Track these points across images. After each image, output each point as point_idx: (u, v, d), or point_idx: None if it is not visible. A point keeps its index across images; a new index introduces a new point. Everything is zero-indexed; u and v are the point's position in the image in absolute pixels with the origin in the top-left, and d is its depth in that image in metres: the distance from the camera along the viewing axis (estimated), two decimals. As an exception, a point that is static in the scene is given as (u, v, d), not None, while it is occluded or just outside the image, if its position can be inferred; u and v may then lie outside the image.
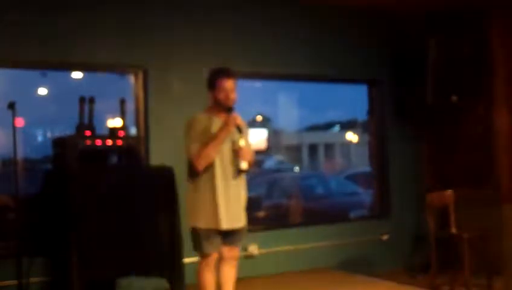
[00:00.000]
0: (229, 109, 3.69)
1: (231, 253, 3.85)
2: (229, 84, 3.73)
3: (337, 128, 15.07)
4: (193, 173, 3.70)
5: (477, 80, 5.80)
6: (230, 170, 3.72)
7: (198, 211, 3.70)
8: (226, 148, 3.71)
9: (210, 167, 3.66)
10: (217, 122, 3.71)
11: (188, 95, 5.17)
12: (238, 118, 3.70)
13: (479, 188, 5.73)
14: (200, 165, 3.63)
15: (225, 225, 3.68)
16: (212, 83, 3.76)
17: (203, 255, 3.73)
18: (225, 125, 3.65)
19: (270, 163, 12.11)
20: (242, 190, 3.83)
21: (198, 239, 3.70)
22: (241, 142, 3.70)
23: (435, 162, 6.39)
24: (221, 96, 3.71)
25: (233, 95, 3.73)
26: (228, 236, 3.76)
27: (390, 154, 6.47)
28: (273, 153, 12.49)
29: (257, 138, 10.21)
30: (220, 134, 3.64)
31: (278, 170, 11.89)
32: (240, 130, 3.69)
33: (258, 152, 10.07)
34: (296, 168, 13.08)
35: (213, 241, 3.70)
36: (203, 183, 3.69)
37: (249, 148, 3.81)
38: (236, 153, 3.71)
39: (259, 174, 10.37)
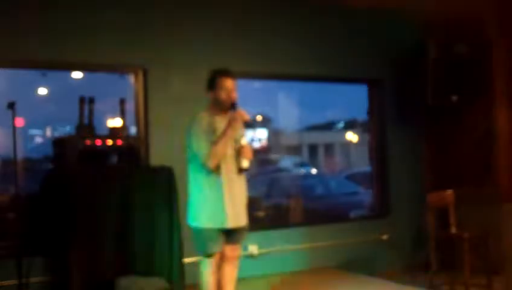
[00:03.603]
0: (233, 106, 3.70)
1: (234, 252, 3.86)
2: (229, 83, 3.75)
3: (341, 124, 15.01)
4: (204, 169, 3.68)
5: (477, 80, 5.80)
6: (233, 168, 3.73)
7: (203, 210, 3.70)
8: (228, 147, 3.71)
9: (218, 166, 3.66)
10: (219, 121, 3.72)
11: (188, 95, 5.17)
12: (245, 114, 3.70)
13: (479, 188, 5.73)
14: (212, 163, 3.62)
15: (230, 223, 3.69)
16: (213, 83, 3.78)
17: (207, 255, 3.72)
18: (232, 121, 3.65)
19: (287, 163, 12.11)
20: (243, 188, 3.85)
21: (203, 239, 3.71)
22: (243, 141, 3.71)
23: (435, 162, 6.39)
24: (222, 95, 3.73)
25: (234, 95, 3.75)
26: (231, 235, 3.76)
27: (390, 154, 6.47)
28: (285, 153, 12.51)
29: (257, 138, 10.21)
30: (227, 130, 3.64)
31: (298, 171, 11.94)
32: (249, 125, 3.70)
33: (259, 152, 10.15)
34: (314, 169, 13.06)
35: (217, 241, 3.70)
36: (207, 183, 3.68)
37: (250, 146, 3.82)
38: (238, 151, 3.72)
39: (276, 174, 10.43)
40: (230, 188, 3.70)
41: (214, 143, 3.62)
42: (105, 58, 5.05)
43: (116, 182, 4.37)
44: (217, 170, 3.66)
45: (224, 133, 3.64)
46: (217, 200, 3.66)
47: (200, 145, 3.65)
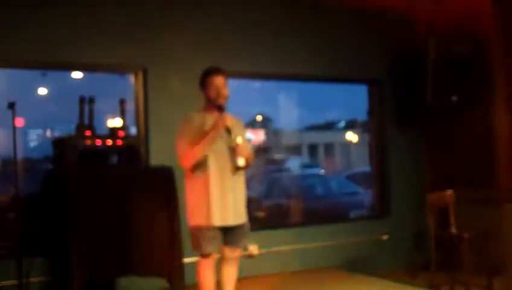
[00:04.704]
0: (220, 108, 3.71)
1: (233, 254, 3.84)
2: (218, 80, 3.76)
3: (341, 124, 14.97)
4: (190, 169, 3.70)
5: (477, 80, 5.80)
6: (227, 167, 3.72)
7: (195, 209, 3.71)
8: (222, 145, 3.71)
9: (204, 165, 3.66)
10: (210, 119, 3.72)
11: (188, 95, 5.15)
12: (228, 119, 3.69)
13: (479, 188, 5.72)
14: (187, 163, 3.65)
15: (219, 221, 3.66)
16: (203, 82, 3.81)
17: (203, 255, 3.71)
18: (215, 126, 3.66)
19: (293, 163, 12.10)
20: (240, 187, 3.82)
21: (198, 239, 3.69)
22: (238, 140, 3.70)
23: (435, 162, 6.39)
24: (212, 93, 3.75)
25: (225, 91, 3.76)
26: (229, 235, 3.74)
27: (390, 155, 6.47)
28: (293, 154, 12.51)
29: (255, 137, 10.23)
30: (209, 135, 3.65)
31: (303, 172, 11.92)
32: (228, 131, 3.69)
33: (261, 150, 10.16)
34: (322, 171, 13.03)
35: (213, 241, 3.68)
36: (198, 181, 3.69)
37: (246, 145, 3.81)
38: (233, 150, 3.71)
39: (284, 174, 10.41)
40: (221, 187, 3.68)
41: (194, 144, 3.62)
42: (105, 58, 5.05)
43: (116, 182, 4.38)
44: (200, 169, 3.65)
45: (205, 136, 3.64)
46: (205, 199, 3.66)
47: (180, 145, 3.68)
